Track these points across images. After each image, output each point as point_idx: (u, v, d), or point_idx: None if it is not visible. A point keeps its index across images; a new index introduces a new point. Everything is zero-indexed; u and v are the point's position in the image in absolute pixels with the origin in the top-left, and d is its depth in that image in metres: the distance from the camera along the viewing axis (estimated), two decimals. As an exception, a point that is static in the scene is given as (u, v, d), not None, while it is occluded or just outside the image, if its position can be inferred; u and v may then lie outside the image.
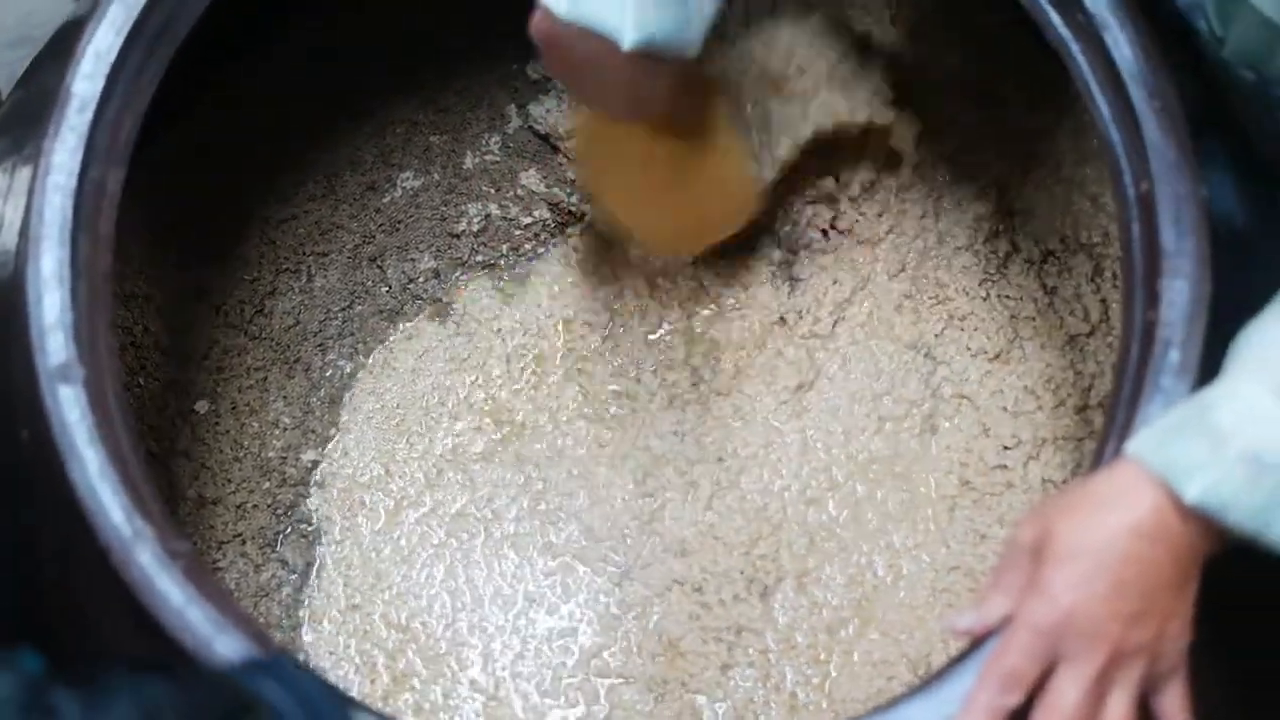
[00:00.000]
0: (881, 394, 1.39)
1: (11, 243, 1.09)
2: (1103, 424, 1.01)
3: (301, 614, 1.35)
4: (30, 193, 1.04)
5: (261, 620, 1.33)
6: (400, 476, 1.40)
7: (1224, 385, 0.88)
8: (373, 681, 1.31)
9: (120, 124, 1.08)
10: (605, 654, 1.32)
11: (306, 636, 1.34)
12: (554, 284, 1.49)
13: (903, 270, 1.43)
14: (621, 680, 1.31)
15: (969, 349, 1.39)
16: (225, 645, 0.93)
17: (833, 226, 1.45)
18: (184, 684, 0.73)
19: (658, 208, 1.33)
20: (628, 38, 1.01)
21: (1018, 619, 0.88)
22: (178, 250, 1.45)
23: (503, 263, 1.50)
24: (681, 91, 1.14)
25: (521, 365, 1.45)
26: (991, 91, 1.45)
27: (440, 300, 1.48)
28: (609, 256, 1.49)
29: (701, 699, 1.30)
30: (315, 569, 1.37)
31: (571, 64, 1.07)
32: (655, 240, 1.39)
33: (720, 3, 1.07)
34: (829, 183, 1.44)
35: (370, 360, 1.46)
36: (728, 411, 1.40)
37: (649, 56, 1.04)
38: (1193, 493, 0.85)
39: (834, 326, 1.42)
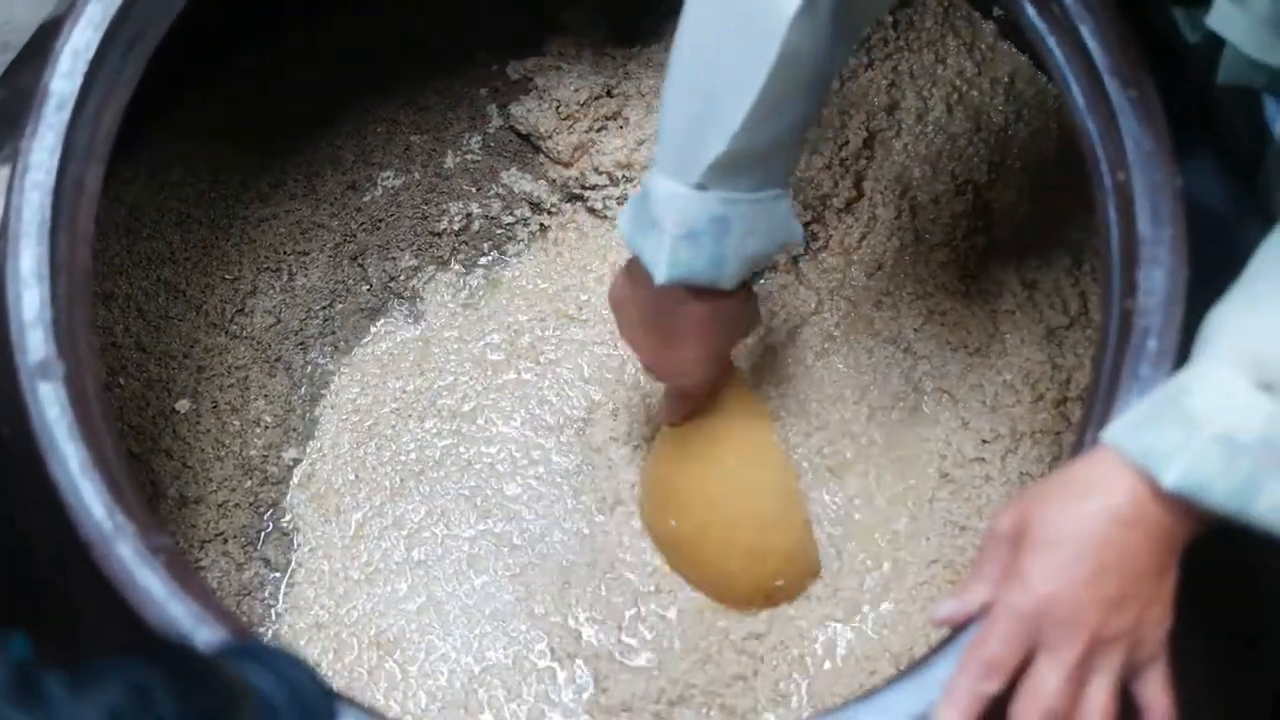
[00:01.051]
0: (867, 386, 1.39)
1: (-9, 241, 1.08)
2: (1081, 413, 1.01)
3: (280, 616, 1.34)
4: (9, 191, 1.04)
5: (244, 619, 1.32)
6: (368, 484, 1.40)
7: (1195, 369, 0.88)
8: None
9: (99, 122, 1.08)
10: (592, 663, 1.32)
11: (284, 634, 1.34)
12: (533, 284, 1.49)
13: (880, 269, 1.43)
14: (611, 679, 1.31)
15: (949, 344, 1.39)
16: (207, 639, 0.93)
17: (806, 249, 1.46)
18: (173, 667, 0.73)
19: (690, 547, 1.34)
20: (661, 274, 1.11)
21: (997, 607, 0.88)
22: (158, 249, 1.45)
23: (484, 261, 1.50)
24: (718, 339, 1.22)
25: (495, 364, 1.45)
26: (980, 101, 1.46)
27: (420, 298, 1.48)
28: (584, 258, 1.50)
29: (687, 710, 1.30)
30: (289, 574, 1.36)
31: (629, 307, 1.21)
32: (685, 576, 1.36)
33: (768, 247, 1.14)
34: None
35: (346, 360, 1.46)
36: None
37: (685, 289, 1.14)
38: (1171, 477, 0.85)
39: (791, 333, 1.42)
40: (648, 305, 1.18)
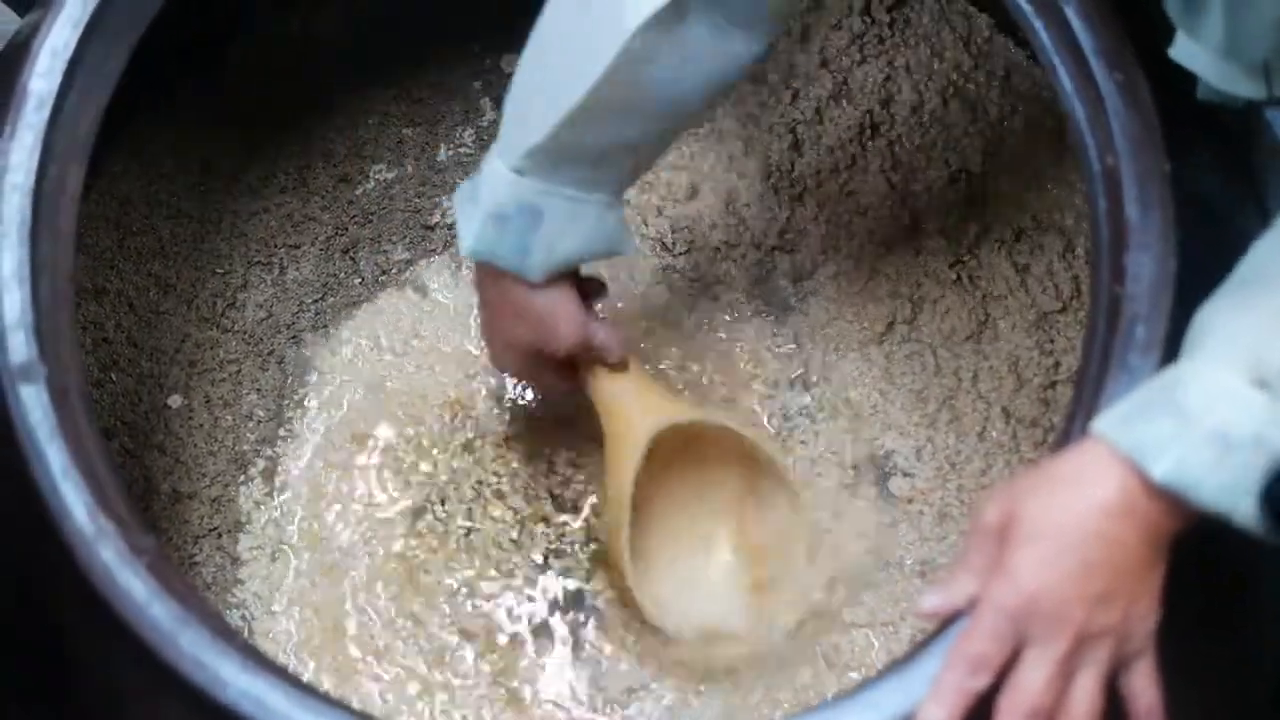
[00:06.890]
0: (857, 374, 1.39)
1: (-29, 244, 1.08)
2: (1069, 401, 1.00)
3: (275, 614, 1.34)
4: (-11, 193, 1.04)
5: (239, 614, 1.32)
6: (361, 478, 1.39)
7: (1189, 364, 0.87)
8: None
9: (79, 121, 1.07)
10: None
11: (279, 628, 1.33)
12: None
13: (871, 255, 1.42)
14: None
15: (940, 331, 1.38)
16: (189, 641, 0.92)
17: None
18: None
19: None
20: (465, 247, 1.16)
21: (984, 601, 0.88)
22: (148, 243, 1.44)
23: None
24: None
25: (485, 356, 1.44)
26: (975, 94, 1.45)
27: (412, 290, 1.48)
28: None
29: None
30: (286, 568, 1.36)
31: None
32: None
33: (585, 251, 1.16)
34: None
35: (338, 353, 1.45)
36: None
37: (494, 269, 1.17)
38: (1160, 471, 0.84)
39: (780, 319, 1.43)
40: (474, 277, 1.23)
